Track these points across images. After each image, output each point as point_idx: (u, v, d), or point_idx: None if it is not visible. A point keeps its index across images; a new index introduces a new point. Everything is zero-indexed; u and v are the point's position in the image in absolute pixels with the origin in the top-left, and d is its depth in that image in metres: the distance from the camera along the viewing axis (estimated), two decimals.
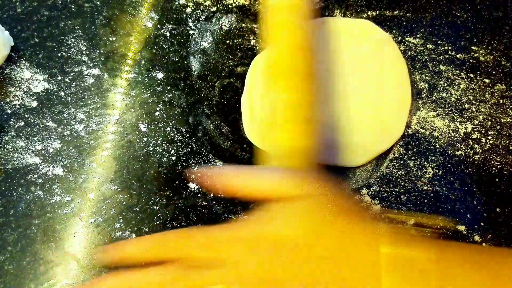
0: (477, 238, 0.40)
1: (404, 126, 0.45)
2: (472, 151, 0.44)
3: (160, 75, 0.48)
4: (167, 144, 0.45)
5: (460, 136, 0.44)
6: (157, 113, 0.46)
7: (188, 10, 0.52)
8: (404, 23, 0.51)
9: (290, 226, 0.28)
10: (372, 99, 0.47)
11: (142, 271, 0.27)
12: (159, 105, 0.47)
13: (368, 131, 0.45)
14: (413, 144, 0.45)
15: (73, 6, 0.52)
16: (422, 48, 0.49)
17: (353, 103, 0.46)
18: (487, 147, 0.44)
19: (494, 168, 0.43)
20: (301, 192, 0.29)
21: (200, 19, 0.52)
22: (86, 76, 0.48)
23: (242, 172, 0.31)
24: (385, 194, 0.42)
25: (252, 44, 0.50)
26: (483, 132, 0.45)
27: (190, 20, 0.52)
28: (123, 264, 0.29)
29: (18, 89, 0.47)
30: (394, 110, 0.46)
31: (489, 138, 0.44)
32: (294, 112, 0.40)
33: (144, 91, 0.47)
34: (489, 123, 0.45)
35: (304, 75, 0.43)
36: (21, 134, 0.44)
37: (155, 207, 0.41)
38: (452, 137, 0.44)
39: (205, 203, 0.42)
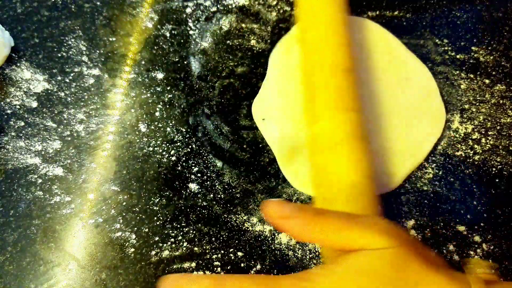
0: (477, 238, 0.40)
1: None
2: (472, 152, 0.44)
3: (160, 75, 0.48)
4: (167, 144, 0.45)
5: (460, 137, 0.44)
6: (157, 113, 0.46)
7: (188, 10, 0.52)
8: (404, 23, 0.51)
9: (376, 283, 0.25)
10: (405, 114, 0.45)
11: None
12: (159, 105, 0.47)
13: (403, 150, 0.43)
14: None
15: (73, 6, 0.52)
16: (422, 48, 0.49)
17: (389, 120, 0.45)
18: (487, 147, 0.44)
19: (494, 169, 0.43)
20: (389, 244, 0.25)
21: (200, 19, 0.52)
22: (86, 77, 0.48)
23: (323, 221, 0.27)
24: (385, 195, 0.42)
25: (252, 44, 0.50)
26: (483, 132, 0.45)
27: (190, 20, 0.52)
28: None
29: (18, 89, 0.47)
30: (426, 124, 0.45)
31: (489, 138, 0.44)
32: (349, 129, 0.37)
33: (144, 91, 0.47)
34: (489, 123, 0.45)
35: (349, 73, 0.40)
36: (21, 135, 0.44)
37: (155, 207, 0.41)
38: (452, 138, 0.44)
39: (205, 203, 0.42)
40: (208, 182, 0.43)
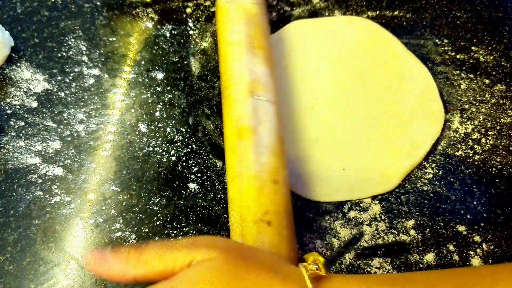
0: (477, 238, 0.40)
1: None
2: (472, 152, 0.44)
3: (160, 75, 0.48)
4: (167, 144, 0.45)
5: (460, 136, 0.44)
6: (157, 113, 0.46)
7: (188, 10, 0.52)
8: (404, 23, 0.51)
9: None
10: (397, 112, 0.45)
11: None
12: (159, 105, 0.47)
13: (395, 150, 0.43)
14: None
15: (73, 6, 0.52)
16: (422, 48, 0.49)
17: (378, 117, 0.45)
18: (487, 147, 0.44)
19: (494, 168, 0.43)
20: (213, 254, 0.27)
21: (200, 19, 0.52)
22: (86, 76, 0.48)
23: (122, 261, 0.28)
24: (385, 195, 0.42)
25: None
26: (483, 132, 0.45)
27: (190, 20, 0.52)
28: None
29: (18, 89, 0.47)
30: (423, 122, 0.45)
31: (489, 138, 0.44)
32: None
33: (144, 91, 0.47)
34: (489, 123, 0.45)
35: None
36: (21, 135, 0.44)
37: (155, 207, 0.41)
38: (452, 138, 0.44)
39: (205, 203, 0.42)
40: (208, 182, 0.43)
